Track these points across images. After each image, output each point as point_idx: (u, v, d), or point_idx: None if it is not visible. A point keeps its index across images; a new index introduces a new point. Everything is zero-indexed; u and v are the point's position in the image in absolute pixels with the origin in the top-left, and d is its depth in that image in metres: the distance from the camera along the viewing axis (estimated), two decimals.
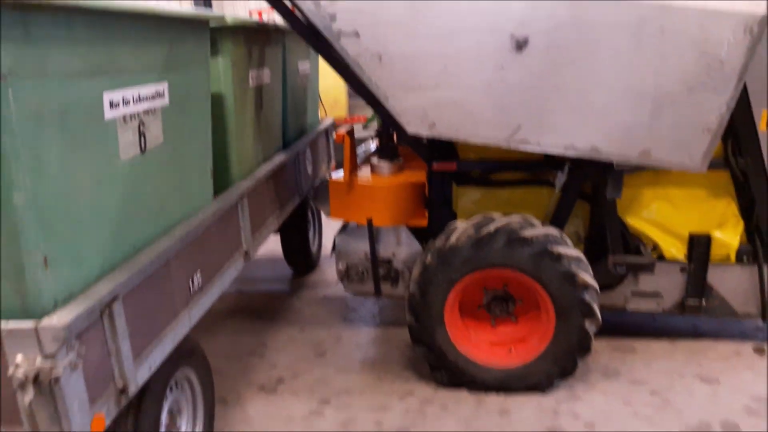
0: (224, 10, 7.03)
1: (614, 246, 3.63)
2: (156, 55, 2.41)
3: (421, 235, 3.87)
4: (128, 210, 2.27)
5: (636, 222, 3.70)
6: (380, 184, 3.76)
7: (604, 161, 3.24)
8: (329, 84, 6.72)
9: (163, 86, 2.44)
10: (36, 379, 1.72)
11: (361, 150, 4.50)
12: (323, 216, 5.55)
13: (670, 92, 3.00)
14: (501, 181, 3.78)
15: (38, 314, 1.80)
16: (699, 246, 3.66)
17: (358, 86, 3.36)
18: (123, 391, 2.09)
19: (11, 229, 1.74)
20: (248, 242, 3.24)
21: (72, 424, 1.80)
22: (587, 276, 3.25)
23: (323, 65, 5.25)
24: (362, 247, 3.89)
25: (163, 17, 2.46)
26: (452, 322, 3.44)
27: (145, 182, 2.38)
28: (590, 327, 3.31)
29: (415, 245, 3.85)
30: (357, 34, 3.02)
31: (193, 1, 11.12)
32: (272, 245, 4.80)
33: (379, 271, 3.88)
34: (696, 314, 3.79)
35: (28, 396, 1.72)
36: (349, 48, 3.04)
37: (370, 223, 3.73)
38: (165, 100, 2.46)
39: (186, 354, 2.71)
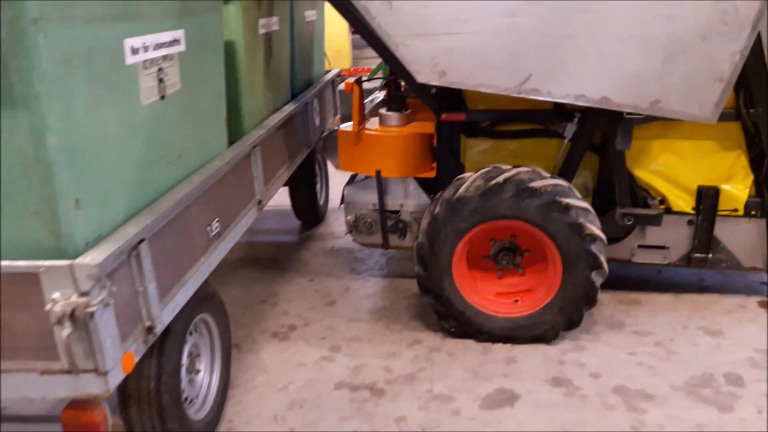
0: None
1: (622, 198, 3.63)
2: (172, 1, 2.44)
3: (429, 187, 3.89)
4: (149, 155, 2.33)
5: (644, 174, 3.70)
6: (389, 135, 3.76)
7: (614, 111, 3.22)
8: (333, 34, 6.64)
9: (179, 33, 2.47)
10: (72, 315, 1.80)
11: (366, 102, 4.48)
12: (330, 169, 5.57)
13: (682, 40, 2.97)
14: (509, 132, 3.78)
15: (71, 255, 1.87)
16: (707, 199, 3.67)
17: (367, 35, 3.34)
18: (150, 330, 2.18)
19: (45, 170, 1.79)
20: (261, 191, 3.28)
21: (106, 359, 1.88)
22: (595, 227, 3.27)
23: (327, 15, 5.22)
24: (371, 198, 3.92)
25: None
26: (460, 273, 3.48)
27: (164, 128, 2.42)
28: (597, 278, 3.35)
29: (423, 197, 3.87)
30: None
31: None
32: (280, 198, 4.84)
33: (387, 223, 3.91)
34: (702, 267, 3.81)
35: (65, 330, 1.80)
36: None
37: (378, 174, 3.75)
38: (182, 47, 2.49)
39: (205, 299, 2.79)
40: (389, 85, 3.96)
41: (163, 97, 2.39)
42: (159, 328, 2.25)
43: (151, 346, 2.27)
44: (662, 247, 3.82)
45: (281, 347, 3.64)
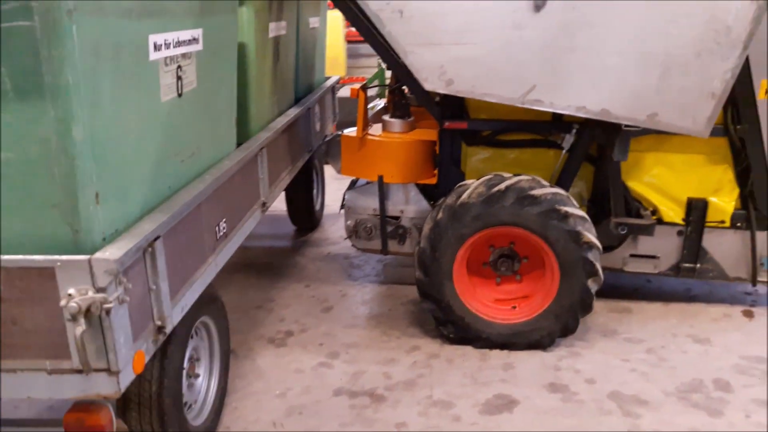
0: None
1: (617, 207, 3.73)
2: (194, 1, 2.45)
3: (429, 194, 3.94)
4: (166, 152, 2.32)
5: (637, 186, 3.80)
6: (393, 141, 3.81)
7: (612, 123, 3.32)
8: (329, 42, 6.67)
9: (198, 32, 2.49)
10: (87, 312, 1.76)
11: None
12: (325, 175, 5.60)
13: (678, 57, 3.09)
14: (509, 141, 3.85)
15: (88, 249, 1.84)
16: (696, 210, 3.78)
17: (375, 42, 3.39)
18: (161, 329, 2.15)
19: (69, 162, 1.77)
20: (266, 194, 3.29)
21: (118, 358, 1.85)
22: (592, 236, 3.36)
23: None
24: (371, 204, 3.95)
25: None
26: (460, 278, 3.52)
27: (180, 125, 2.43)
28: (593, 285, 3.42)
29: (424, 203, 3.92)
30: None
31: None
32: (275, 202, 4.83)
33: (387, 229, 3.95)
34: (690, 277, 3.92)
35: (80, 327, 1.75)
36: (371, 2, 3.07)
37: (380, 179, 3.79)
38: (199, 46, 2.51)
39: (208, 301, 2.76)
40: (394, 92, 4.01)
41: (180, 95, 2.40)
42: (169, 328, 2.22)
43: None
44: (653, 257, 3.92)
45: (278, 353, 3.63)
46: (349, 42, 9.61)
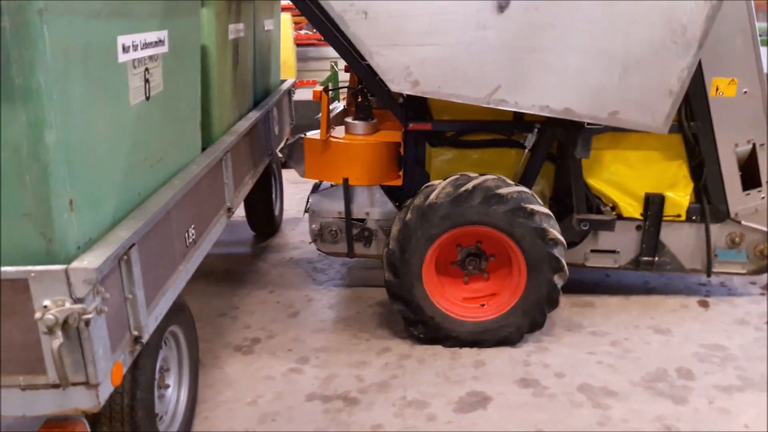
0: None
1: (579, 204, 3.81)
2: (158, 1, 2.39)
3: (394, 196, 3.94)
4: (135, 157, 2.25)
5: (596, 183, 3.89)
6: (358, 143, 3.79)
7: (572, 122, 3.39)
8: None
9: (164, 33, 2.42)
10: (64, 324, 1.68)
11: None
12: (284, 180, 5.53)
13: (637, 55, 3.17)
14: (472, 142, 3.89)
15: (62, 259, 1.76)
16: (653, 205, 3.89)
17: (337, 43, 3.36)
18: (137, 339, 2.08)
19: (41, 169, 1.70)
20: (231, 199, 3.22)
21: (98, 370, 1.78)
22: (557, 232, 3.42)
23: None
24: (336, 207, 3.92)
25: None
26: (429, 279, 3.53)
27: (149, 129, 2.36)
28: (558, 281, 3.48)
29: (389, 205, 3.91)
30: None
31: None
32: None
33: (352, 231, 3.92)
34: (649, 270, 4.04)
35: (56, 341, 1.67)
36: (334, 3, 3.04)
37: (346, 182, 3.76)
38: (165, 48, 2.44)
39: (176, 310, 2.68)
40: (356, 94, 3.99)
41: (148, 98, 2.33)
42: (146, 338, 2.15)
43: None
44: (613, 252, 4.02)
45: (246, 361, 3.55)
46: (298, 45, 9.56)
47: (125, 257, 1.98)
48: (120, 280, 1.97)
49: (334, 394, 3.24)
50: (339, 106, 4.61)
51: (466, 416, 3.08)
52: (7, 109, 1.65)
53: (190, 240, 2.66)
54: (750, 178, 3.87)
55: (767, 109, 3.71)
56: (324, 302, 4.23)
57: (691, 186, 3.91)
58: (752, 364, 3.48)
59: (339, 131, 4.00)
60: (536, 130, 3.66)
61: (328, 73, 8.96)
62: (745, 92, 3.66)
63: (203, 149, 3.08)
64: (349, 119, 3.96)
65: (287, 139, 4.91)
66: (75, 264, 1.71)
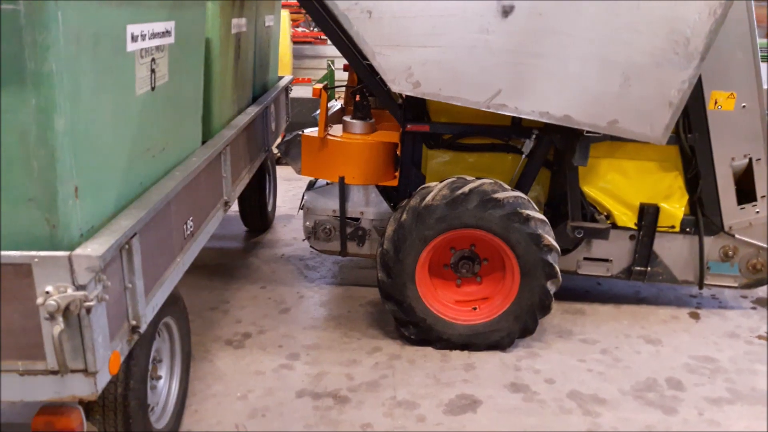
0: None
1: (574, 211, 3.82)
2: None
3: (389, 196, 3.93)
4: (139, 146, 2.25)
5: (592, 191, 3.90)
6: (356, 142, 3.78)
7: (571, 129, 3.40)
8: None
9: (171, 24, 2.41)
10: (66, 310, 1.68)
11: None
12: (278, 177, 5.51)
13: (639, 65, 3.19)
14: (470, 145, 3.89)
15: (65, 246, 1.76)
16: (648, 215, 3.91)
17: (339, 42, 3.35)
18: (135, 329, 2.07)
19: (49, 154, 1.69)
20: (228, 192, 3.21)
21: (96, 358, 1.77)
22: (551, 238, 3.42)
23: None
24: (331, 205, 3.91)
25: None
26: (422, 280, 3.53)
27: (152, 120, 2.35)
28: (551, 287, 3.49)
29: (384, 205, 3.91)
30: None
31: None
32: None
33: (346, 230, 3.91)
34: (641, 280, 4.06)
35: (57, 327, 1.67)
36: (339, 2, 3.03)
37: (341, 180, 3.76)
38: (171, 39, 2.44)
39: (171, 302, 2.67)
40: (355, 93, 3.98)
41: (153, 89, 2.32)
42: (143, 328, 2.15)
43: None
44: (606, 260, 4.04)
45: (237, 355, 3.54)
46: (294, 42, 9.56)
47: (127, 246, 1.97)
48: (121, 268, 1.97)
49: (324, 391, 3.24)
50: (336, 104, 4.61)
51: (456, 418, 3.09)
52: (18, 94, 1.64)
53: (188, 232, 2.65)
54: (745, 192, 3.90)
55: (766, 124, 3.74)
56: (315, 300, 4.22)
57: (686, 198, 3.93)
58: (742, 377, 3.50)
59: (337, 129, 4.00)
60: (534, 136, 3.67)
61: (323, 72, 8.96)
62: (744, 107, 3.69)
63: (203, 142, 3.07)
64: (347, 118, 3.96)
65: (283, 137, 4.91)
66: (78, 251, 1.71)
